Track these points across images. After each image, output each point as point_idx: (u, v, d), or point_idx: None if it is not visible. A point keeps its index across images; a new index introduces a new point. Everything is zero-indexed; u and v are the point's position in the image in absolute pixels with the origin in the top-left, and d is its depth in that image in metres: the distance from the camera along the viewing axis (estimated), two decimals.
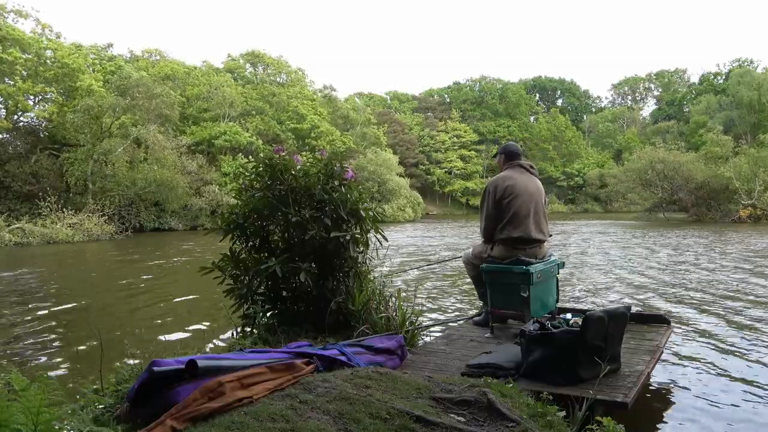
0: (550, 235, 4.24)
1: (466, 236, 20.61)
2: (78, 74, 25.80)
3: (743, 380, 3.75)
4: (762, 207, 27.42)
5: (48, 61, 26.06)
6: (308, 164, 3.90)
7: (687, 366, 4.09)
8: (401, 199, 38.98)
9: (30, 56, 25.60)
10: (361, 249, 3.94)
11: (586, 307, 5.25)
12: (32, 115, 27.06)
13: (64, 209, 22.58)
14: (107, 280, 10.65)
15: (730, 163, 30.42)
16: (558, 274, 4.19)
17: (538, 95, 79.76)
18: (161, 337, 5.45)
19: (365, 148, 42.68)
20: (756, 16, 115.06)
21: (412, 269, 9.18)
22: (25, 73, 25.48)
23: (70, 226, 21.69)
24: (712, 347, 4.61)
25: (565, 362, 2.79)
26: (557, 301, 4.24)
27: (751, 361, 4.20)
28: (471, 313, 5.18)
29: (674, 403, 3.38)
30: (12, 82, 24.89)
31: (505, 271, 3.82)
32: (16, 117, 26.68)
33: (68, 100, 26.91)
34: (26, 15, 27.42)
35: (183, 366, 2.19)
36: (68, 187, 25.67)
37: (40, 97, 26.86)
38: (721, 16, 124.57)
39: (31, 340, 5.55)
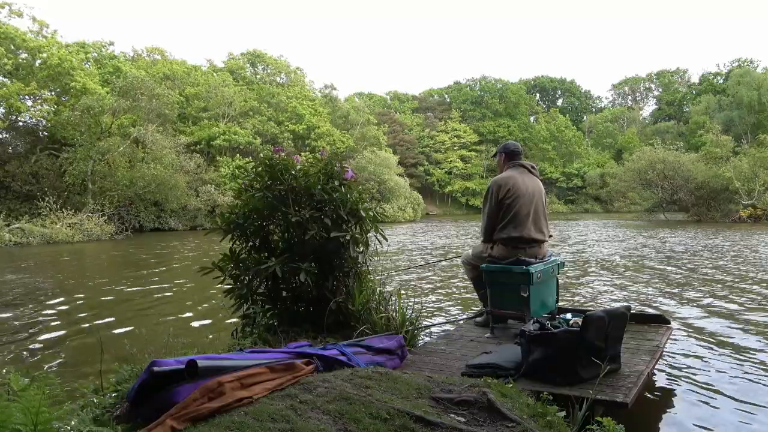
0: (550, 236, 4.24)
1: (465, 235, 20.61)
2: (72, 74, 25.64)
3: (744, 380, 3.75)
4: (762, 207, 27.43)
5: (38, 61, 25.91)
6: (308, 164, 3.90)
7: (687, 366, 4.08)
8: (401, 199, 39.00)
9: (24, 54, 25.49)
10: (361, 249, 3.94)
11: (585, 307, 5.25)
12: (27, 115, 26.95)
13: (64, 209, 22.56)
14: (106, 279, 10.64)
15: (730, 163, 30.42)
16: (558, 274, 4.20)
17: (538, 95, 79.69)
18: (161, 337, 5.44)
19: (365, 148, 42.70)
20: (756, 16, 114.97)
21: (411, 267, 9.18)
22: (21, 72, 25.36)
23: (69, 226, 21.68)
24: (713, 347, 4.61)
25: (565, 362, 2.79)
26: (557, 301, 4.24)
27: (752, 360, 4.19)
28: (471, 313, 5.18)
29: (674, 403, 3.38)
30: (2, 78, 24.77)
31: (505, 271, 3.82)
32: (13, 117, 26.58)
33: (65, 99, 26.82)
34: (19, 13, 27.25)
35: (183, 366, 2.19)
36: (68, 187, 25.67)
37: (37, 96, 26.80)
38: (721, 16, 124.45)
39: (30, 340, 5.55)
